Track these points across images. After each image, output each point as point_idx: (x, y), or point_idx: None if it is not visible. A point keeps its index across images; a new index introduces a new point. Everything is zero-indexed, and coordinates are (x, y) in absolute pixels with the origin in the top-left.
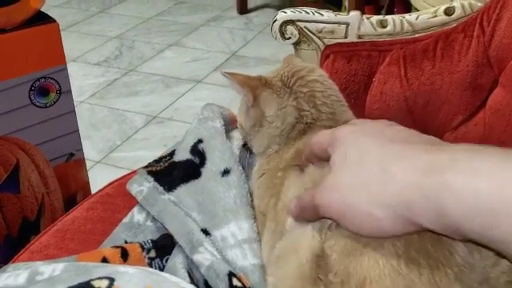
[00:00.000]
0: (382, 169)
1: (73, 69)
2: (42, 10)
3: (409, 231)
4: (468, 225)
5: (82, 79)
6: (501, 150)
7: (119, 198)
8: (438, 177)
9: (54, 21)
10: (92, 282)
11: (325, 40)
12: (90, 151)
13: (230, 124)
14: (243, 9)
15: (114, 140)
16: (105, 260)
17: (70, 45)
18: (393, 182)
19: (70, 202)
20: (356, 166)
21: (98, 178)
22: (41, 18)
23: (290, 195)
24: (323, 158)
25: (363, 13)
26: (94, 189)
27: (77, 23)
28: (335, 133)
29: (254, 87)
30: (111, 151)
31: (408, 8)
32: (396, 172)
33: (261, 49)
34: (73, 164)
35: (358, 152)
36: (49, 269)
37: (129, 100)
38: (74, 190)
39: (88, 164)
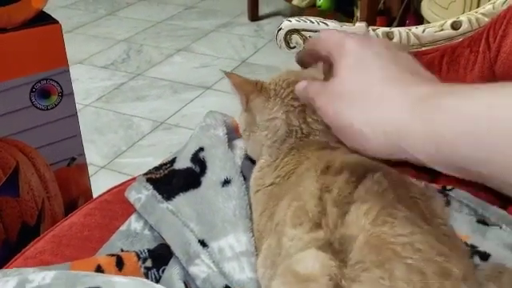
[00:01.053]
0: (382, 92)
1: (79, 71)
2: (48, 10)
3: (392, 157)
4: (457, 148)
5: (88, 82)
6: (497, 85)
7: (118, 204)
8: (434, 100)
9: (57, 22)
10: None
11: None
12: (94, 156)
13: (232, 132)
14: (254, 16)
15: (119, 145)
16: (99, 268)
17: (77, 47)
18: (390, 105)
19: (71, 208)
20: (359, 82)
21: (102, 184)
22: (43, 19)
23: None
24: (322, 59)
25: (375, 24)
26: (96, 194)
27: (84, 25)
28: (344, 40)
29: (248, 92)
30: (116, 157)
31: (420, 20)
32: (395, 98)
33: (271, 57)
34: (74, 169)
35: (364, 68)
36: (39, 277)
37: (135, 105)
38: (75, 195)
39: (92, 169)
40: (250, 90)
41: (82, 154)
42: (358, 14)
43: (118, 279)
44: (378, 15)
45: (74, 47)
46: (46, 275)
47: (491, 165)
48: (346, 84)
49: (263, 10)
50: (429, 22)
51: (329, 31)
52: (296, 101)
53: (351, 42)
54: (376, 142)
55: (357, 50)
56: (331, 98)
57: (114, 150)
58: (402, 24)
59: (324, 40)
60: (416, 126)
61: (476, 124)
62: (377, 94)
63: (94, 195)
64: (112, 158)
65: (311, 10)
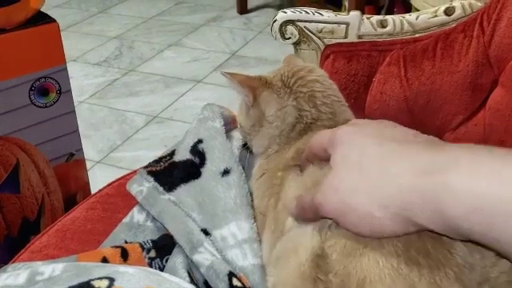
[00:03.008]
0: (381, 169)
1: (73, 69)
2: (42, 10)
3: (409, 231)
4: (467, 225)
5: (82, 79)
6: (502, 150)
7: (119, 198)
8: (438, 177)
9: (54, 21)
10: (92, 282)
11: (325, 40)
12: (90, 151)
13: (230, 124)
14: (243, 9)
15: (114, 140)
16: (105, 260)
17: (70, 45)
18: (392, 183)
19: (70, 202)
20: (356, 166)
21: (98, 178)
22: (41, 18)
23: (290, 195)
24: (323, 158)
25: (363, 13)
26: (93, 189)
27: (77, 23)
28: (335, 133)
29: (254, 87)
30: (111, 151)
31: (408, 8)
32: (395, 173)
33: (261, 49)
34: (73, 164)
35: (357, 152)
36: (49, 269)
37: (129, 100)
38: (74, 190)
39: (88, 164)
40: (255, 85)
41: (80, 150)
42: (346, 3)
43: (126, 269)
44: (366, 4)
45: (67, 45)
46: (56, 267)
47: (504, 245)
48: (343, 174)
49: (252, 2)
50: (417, 10)
51: (319, 132)
52: (304, 87)
53: (340, 132)
54: (388, 219)
55: (347, 136)
56: (332, 193)
57: (110, 144)
58: (389, 13)
59: (316, 141)
60: (421, 203)
61: (487, 204)
62: (376, 172)
63: (92, 189)
64: (107, 153)
65: (300, 1)
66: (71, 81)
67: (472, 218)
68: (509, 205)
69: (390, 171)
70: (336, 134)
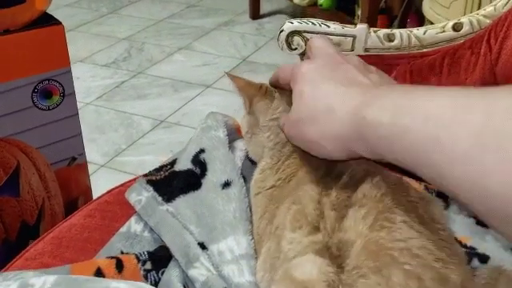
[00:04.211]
0: (327, 107)
1: (80, 69)
2: (52, 8)
3: (352, 157)
4: (383, 150)
5: (89, 80)
6: (418, 87)
7: (118, 206)
8: (361, 113)
9: (60, 23)
10: None
11: None
12: (94, 154)
13: (233, 134)
14: (256, 14)
15: (119, 144)
16: (99, 271)
17: (79, 45)
18: (335, 120)
19: (71, 207)
20: (308, 102)
21: (102, 182)
22: (46, 20)
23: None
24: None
25: (376, 22)
26: (96, 192)
27: (86, 23)
28: (295, 70)
29: (251, 95)
30: (116, 155)
31: (421, 19)
32: (338, 110)
33: (272, 55)
34: (75, 168)
35: (311, 89)
36: (40, 281)
37: (136, 103)
38: (75, 194)
39: (92, 167)
40: (253, 93)
41: (83, 154)
42: (359, 12)
43: (117, 285)
44: (380, 14)
45: (76, 45)
46: (47, 280)
47: (404, 162)
48: (300, 109)
49: (265, 8)
50: (430, 21)
51: (282, 66)
52: None
53: (300, 69)
54: (334, 149)
55: (305, 75)
56: (293, 125)
57: (115, 148)
58: (403, 23)
59: (281, 75)
60: (354, 136)
61: (386, 132)
62: (323, 108)
63: (94, 193)
64: (112, 157)
65: (312, 8)
66: (78, 82)
67: (383, 145)
68: (398, 129)
69: (333, 109)
70: (296, 71)
